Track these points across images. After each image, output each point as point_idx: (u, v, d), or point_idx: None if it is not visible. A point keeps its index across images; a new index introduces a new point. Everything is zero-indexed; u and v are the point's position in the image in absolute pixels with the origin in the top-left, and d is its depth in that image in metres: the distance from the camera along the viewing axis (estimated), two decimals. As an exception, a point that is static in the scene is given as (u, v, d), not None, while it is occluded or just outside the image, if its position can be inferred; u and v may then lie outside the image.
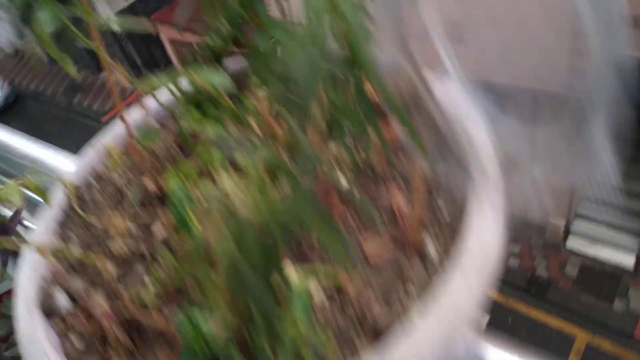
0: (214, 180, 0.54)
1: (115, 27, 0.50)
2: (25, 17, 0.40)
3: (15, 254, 1.61)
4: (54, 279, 0.48)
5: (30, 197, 1.15)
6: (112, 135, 0.62)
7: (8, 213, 1.70)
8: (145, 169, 0.53)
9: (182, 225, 0.40)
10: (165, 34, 10.06)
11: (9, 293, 1.87)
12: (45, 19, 0.39)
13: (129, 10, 13.94)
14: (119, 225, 0.47)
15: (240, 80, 0.65)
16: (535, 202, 0.38)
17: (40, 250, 0.47)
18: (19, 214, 1.63)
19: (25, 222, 1.72)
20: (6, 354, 1.86)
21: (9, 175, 1.03)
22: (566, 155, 0.37)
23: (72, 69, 0.45)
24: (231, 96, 0.53)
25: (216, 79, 0.49)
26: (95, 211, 0.54)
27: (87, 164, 0.60)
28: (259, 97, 0.49)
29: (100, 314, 0.43)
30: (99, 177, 0.58)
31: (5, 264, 1.64)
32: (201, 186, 0.49)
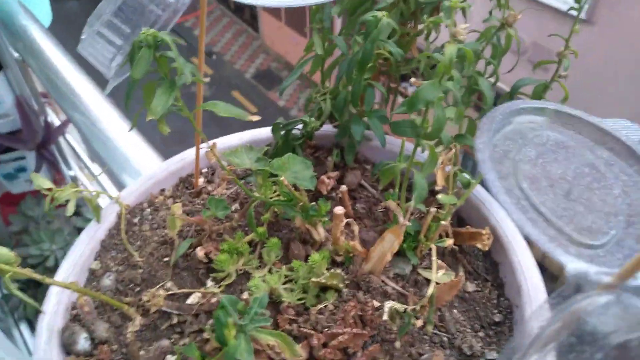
0: (261, 258, 0.53)
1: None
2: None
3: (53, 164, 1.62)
4: (81, 315, 0.48)
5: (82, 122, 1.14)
6: (180, 164, 0.61)
7: (56, 122, 1.72)
8: (200, 230, 0.52)
9: (220, 341, 0.39)
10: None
11: (33, 193, 1.90)
12: (159, 105, 0.37)
13: None
14: (160, 297, 0.47)
15: (319, 149, 0.64)
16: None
17: (73, 288, 0.47)
18: (63, 128, 1.65)
19: (68, 136, 1.74)
20: (15, 250, 1.91)
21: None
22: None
23: (166, 130, 0.43)
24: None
25: (302, 178, 0.48)
26: (140, 247, 0.54)
27: (147, 185, 0.59)
28: (337, 213, 0.47)
29: (114, 378, 0.43)
30: (154, 208, 0.58)
31: (39, 170, 1.67)
32: (252, 280, 0.48)
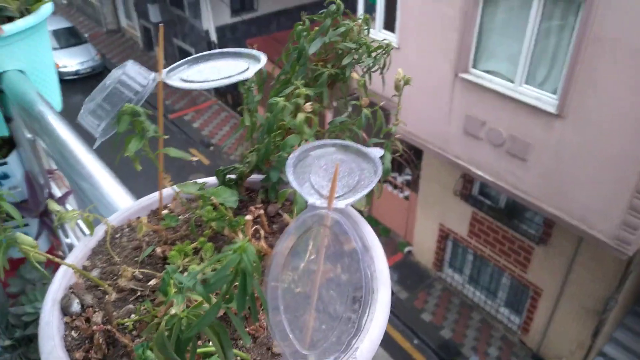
0: (202, 258, 0.77)
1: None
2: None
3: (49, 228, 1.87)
4: (75, 290, 0.71)
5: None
6: (150, 200, 0.87)
7: (58, 193, 1.98)
8: (161, 239, 0.77)
9: (163, 291, 0.63)
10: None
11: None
12: (133, 147, 0.64)
13: (230, 28, 14.90)
14: (129, 272, 0.71)
15: (252, 191, 0.90)
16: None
17: (73, 267, 0.71)
18: (64, 199, 1.91)
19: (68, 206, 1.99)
20: (11, 309, 2.10)
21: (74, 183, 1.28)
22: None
23: (138, 167, 0.70)
24: (235, 210, 0.77)
25: (228, 200, 0.74)
26: (119, 252, 0.78)
27: (126, 214, 0.85)
28: (247, 219, 0.72)
29: (95, 325, 0.66)
30: (131, 229, 0.82)
31: (39, 236, 1.92)
32: (191, 265, 0.72)
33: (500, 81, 6.66)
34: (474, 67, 6.93)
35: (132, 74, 0.69)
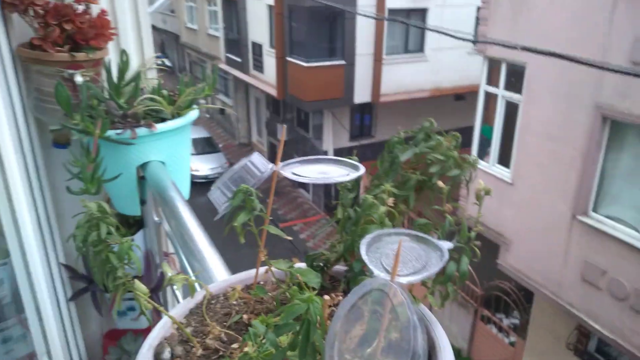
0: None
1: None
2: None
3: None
4: (170, 340, 0.81)
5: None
6: (247, 276, 0.97)
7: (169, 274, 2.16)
8: (249, 309, 0.86)
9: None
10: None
11: (135, 332, 2.29)
12: (240, 219, 0.76)
13: (347, 151, 15.76)
14: (217, 330, 0.80)
15: (336, 280, 0.97)
16: None
17: (173, 319, 0.81)
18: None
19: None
20: (106, 374, 2.25)
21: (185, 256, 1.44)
22: None
23: (242, 240, 0.81)
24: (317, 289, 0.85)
25: (312, 280, 0.81)
26: (212, 316, 0.88)
27: (224, 285, 0.95)
28: (325, 298, 0.79)
29: (179, 373, 0.74)
30: (225, 298, 0.93)
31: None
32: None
33: (624, 229, 6.24)
34: (595, 211, 6.60)
35: (256, 162, 0.84)
